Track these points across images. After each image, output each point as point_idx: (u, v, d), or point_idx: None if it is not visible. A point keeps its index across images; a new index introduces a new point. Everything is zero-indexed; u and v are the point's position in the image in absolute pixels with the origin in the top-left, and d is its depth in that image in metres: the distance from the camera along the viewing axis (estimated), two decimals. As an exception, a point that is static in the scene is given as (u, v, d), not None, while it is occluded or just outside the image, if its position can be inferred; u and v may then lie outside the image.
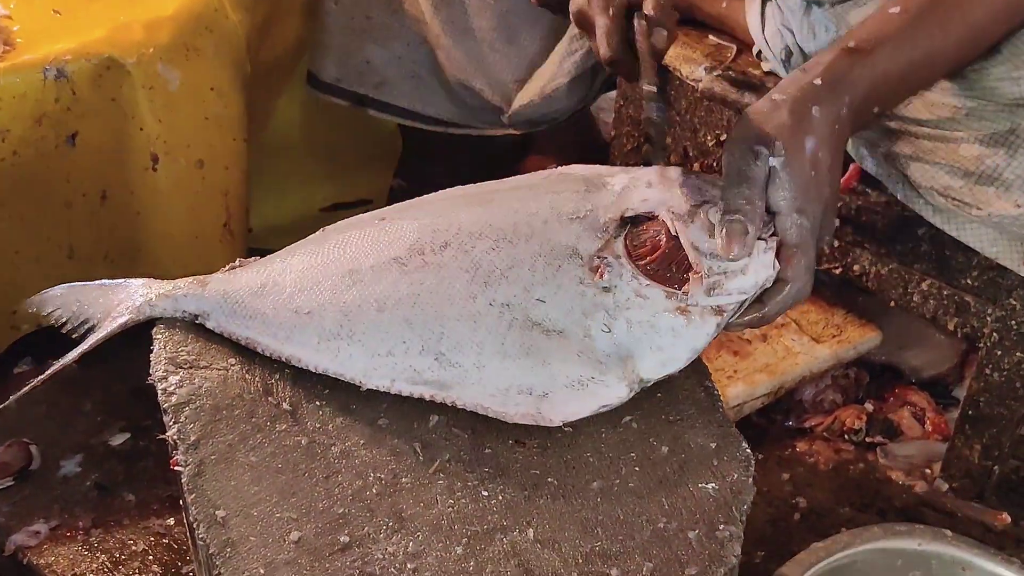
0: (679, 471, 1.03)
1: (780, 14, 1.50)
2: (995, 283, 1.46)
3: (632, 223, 1.09)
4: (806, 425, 1.73)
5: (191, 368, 1.08)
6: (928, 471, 1.66)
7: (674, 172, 1.13)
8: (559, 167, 1.21)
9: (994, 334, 1.48)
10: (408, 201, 1.21)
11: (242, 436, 1.03)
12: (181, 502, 1.05)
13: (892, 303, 1.58)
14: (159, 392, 1.06)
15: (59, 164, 1.54)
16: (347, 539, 0.95)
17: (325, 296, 1.09)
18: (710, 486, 1.02)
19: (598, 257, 1.06)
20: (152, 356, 1.10)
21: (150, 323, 1.15)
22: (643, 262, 1.06)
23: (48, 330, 1.70)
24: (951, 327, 1.54)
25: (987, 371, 1.52)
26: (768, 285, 1.04)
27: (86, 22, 1.58)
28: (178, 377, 1.07)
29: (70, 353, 1.15)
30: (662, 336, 1.03)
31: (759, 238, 1.03)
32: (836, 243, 1.58)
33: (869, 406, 1.75)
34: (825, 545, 1.37)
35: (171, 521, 1.52)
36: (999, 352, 1.49)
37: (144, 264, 1.63)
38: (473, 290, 1.06)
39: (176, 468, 1.01)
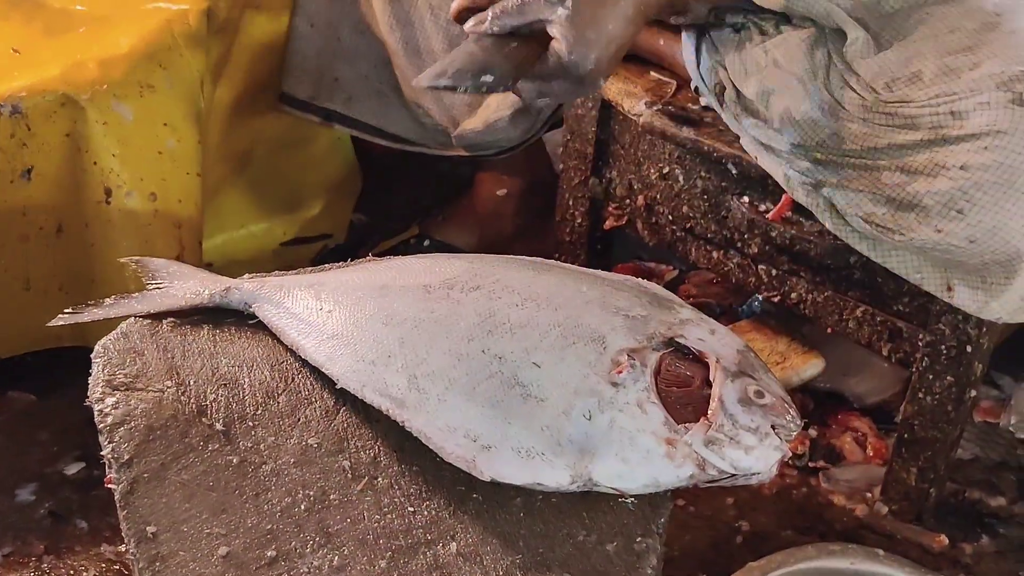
0: (600, 486, 1.07)
1: (715, 52, 1.55)
2: (925, 308, 1.50)
3: (676, 350, 1.11)
4: (750, 451, 1.76)
5: (127, 390, 1.12)
6: (869, 495, 1.69)
7: (740, 341, 1.15)
8: (639, 279, 1.23)
9: (925, 359, 1.52)
10: (494, 256, 1.26)
11: (175, 455, 1.06)
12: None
13: (829, 330, 1.62)
14: (95, 413, 1.10)
15: (15, 198, 1.58)
16: (274, 553, 0.99)
17: (349, 301, 1.16)
18: (629, 500, 1.05)
19: (628, 355, 1.08)
20: (91, 379, 1.14)
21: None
22: (665, 385, 1.07)
23: (5, 361, 1.74)
24: (885, 352, 1.58)
25: (920, 395, 1.55)
26: (755, 480, 1.06)
27: (43, 60, 1.62)
28: (114, 399, 1.11)
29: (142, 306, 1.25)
30: (634, 451, 1.03)
31: (777, 433, 1.05)
32: (773, 271, 1.63)
33: (812, 432, 1.79)
34: (760, 564, 1.39)
35: (122, 548, 1.54)
36: (930, 376, 1.53)
37: (98, 296, 1.64)
38: (473, 332, 1.09)
39: (110, 486, 1.04)
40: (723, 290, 2.05)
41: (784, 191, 1.49)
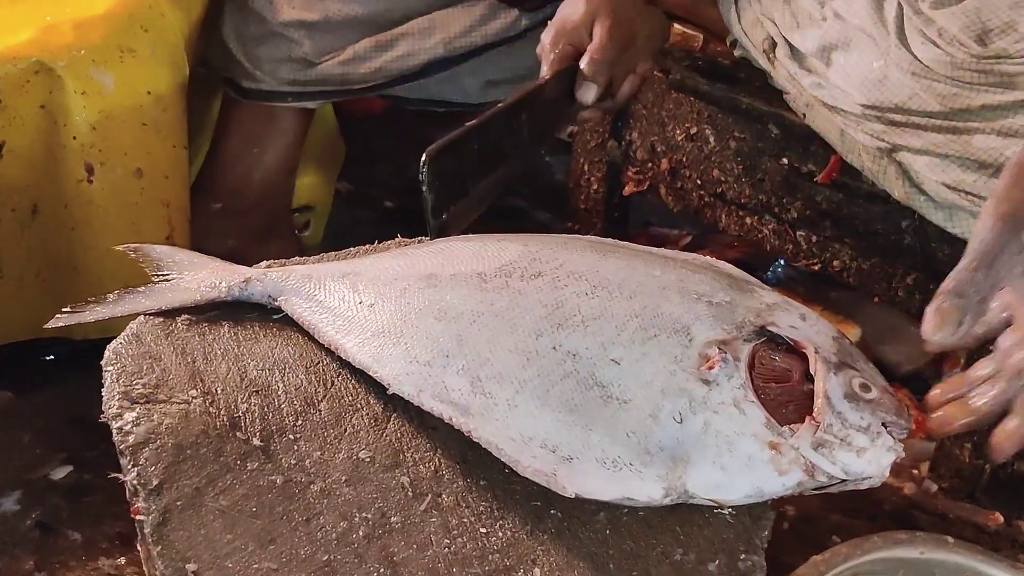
0: (691, 496, 0.95)
1: (758, 3, 1.43)
2: (985, 275, 1.40)
3: (769, 340, 0.99)
4: (788, 428, 1.66)
5: (148, 403, 0.98)
6: (916, 471, 1.60)
7: (832, 327, 1.04)
8: (709, 258, 1.13)
9: (985, 328, 1.43)
10: (548, 235, 1.16)
11: (210, 478, 0.93)
12: (140, 551, 0.95)
13: (876, 299, 1.52)
14: (114, 431, 0.96)
15: (-15, 178, 1.43)
16: (335, 590, 0.86)
17: (393, 293, 1.03)
18: (727, 511, 0.94)
19: (718, 347, 0.96)
20: (104, 391, 1.00)
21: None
22: (761, 380, 0.95)
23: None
24: (938, 322, 1.48)
25: (978, 367, 1.46)
26: (866, 485, 0.96)
27: (11, 24, 1.46)
28: (135, 414, 0.96)
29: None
30: (733, 458, 0.91)
31: (889, 431, 0.94)
32: (814, 238, 1.52)
33: (850, 405, 1.69)
34: (825, 559, 1.29)
35: (122, 560, 1.40)
36: (989, 347, 1.43)
37: (80, 283, 1.51)
38: (541, 327, 0.97)
39: (138, 517, 0.91)
40: (742, 255, 1.94)
41: (833, 152, 1.38)
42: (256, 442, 0.96)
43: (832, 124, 1.33)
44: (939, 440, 1.56)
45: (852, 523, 1.53)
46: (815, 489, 0.94)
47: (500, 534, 0.91)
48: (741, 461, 0.91)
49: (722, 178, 1.57)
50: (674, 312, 0.98)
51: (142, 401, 0.98)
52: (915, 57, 1.20)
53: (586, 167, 1.74)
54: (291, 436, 0.97)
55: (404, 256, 1.09)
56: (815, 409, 0.94)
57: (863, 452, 0.93)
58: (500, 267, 1.02)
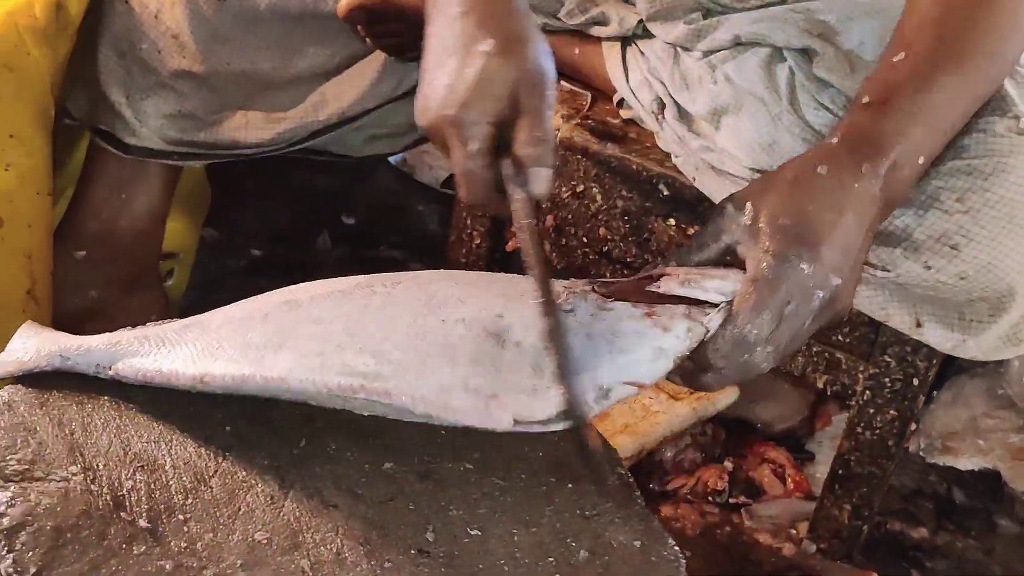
0: (603, 576, 0.93)
1: (646, 62, 1.42)
2: (868, 340, 1.43)
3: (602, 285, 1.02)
4: (669, 488, 1.66)
5: (24, 480, 0.90)
6: (794, 531, 1.62)
7: None
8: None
9: (867, 392, 1.45)
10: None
11: (93, 564, 0.85)
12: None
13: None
14: (-15, 514, 0.88)
15: None
16: None
17: (256, 319, 1.00)
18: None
19: (564, 287, 0.99)
20: (-27, 467, 0.91)
21: None
22: (609, 290, 0.99)
23: None
24: (820, 384, 1.50)
25: (858, 430, 1.48)
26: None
27: None
28: (9, 493, 0.88)
29: None
30: (623, 339, 0.94)
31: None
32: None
33: (729, 464, 1.70)
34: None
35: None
36: (871, 410, 1.46)
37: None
38: (425, 310, 0.97)
39: (12, 610, 0.83)
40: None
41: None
42: (143, 523, 0.89)
43: (721, 187, 1.33)
44: (819, 501, 1.58)
45: (736, 585, 1.53)
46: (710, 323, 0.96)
47: (408, 620, 0.86)
48: (631, 338, 0.94)
49: (608, 236, 1.56)
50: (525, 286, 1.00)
51: (17, 479, 0.89)
52: (807, 123, 1.21)
53: (468, 221, 1.71)
54: (180, 516, 0.90)
55: (248, 301, 1.05)
56: (669, 270, 0.99)
57: (727, 276, 0.98)
58: (356, 285, 1.01)
